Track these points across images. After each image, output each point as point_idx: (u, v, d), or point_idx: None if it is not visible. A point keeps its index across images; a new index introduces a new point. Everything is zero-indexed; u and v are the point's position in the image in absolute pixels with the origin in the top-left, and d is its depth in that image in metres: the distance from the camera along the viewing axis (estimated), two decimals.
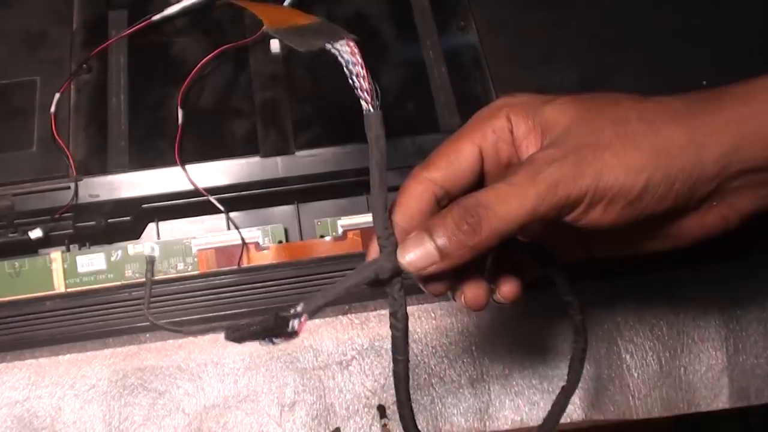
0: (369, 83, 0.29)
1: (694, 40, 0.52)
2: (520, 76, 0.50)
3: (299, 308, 0.29)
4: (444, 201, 0.31)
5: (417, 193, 0.30)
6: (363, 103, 0.29)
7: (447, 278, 0.31)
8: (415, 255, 0.28)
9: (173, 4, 0.52)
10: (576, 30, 0.52)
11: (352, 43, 0.30)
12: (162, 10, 0.52)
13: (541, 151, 0.29)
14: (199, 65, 0.49)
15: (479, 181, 0.31)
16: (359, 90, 0.29)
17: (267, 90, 0.50)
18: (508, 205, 0.27)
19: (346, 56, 0.30)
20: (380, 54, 0.52)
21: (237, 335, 0.29)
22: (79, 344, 0.47)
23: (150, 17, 0.52)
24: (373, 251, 0.31)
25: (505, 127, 0.31)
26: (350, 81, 0.30)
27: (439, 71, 0.51)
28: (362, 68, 0.30)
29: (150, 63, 0.51)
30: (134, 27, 0.51)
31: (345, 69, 0.30)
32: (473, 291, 0.31)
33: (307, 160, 0.48)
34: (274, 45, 0.51)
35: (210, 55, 0.50)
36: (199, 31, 0.52)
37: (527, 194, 0.27)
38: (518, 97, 0.32)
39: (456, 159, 0.31)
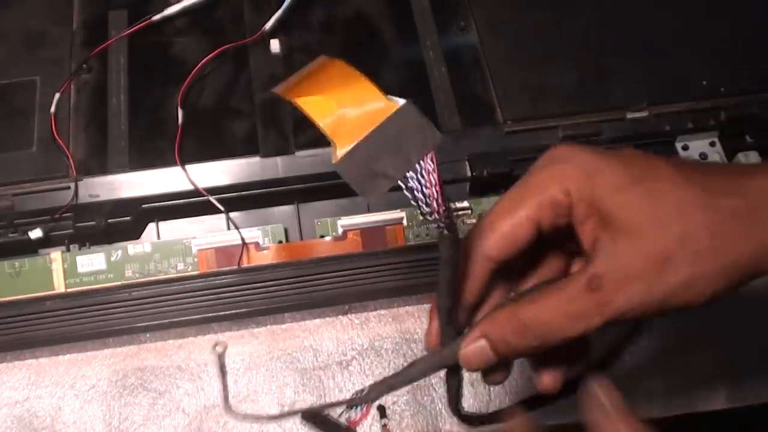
0: (443, 203, 0.26)
1: (694, 40, 0.52)
2: (520, 76, 0.50)
3: (365, 392, 0.29)
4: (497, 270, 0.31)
5: (475, 273, 0.30)
6: (436, 225, 0.26)
7: (504, 370, 0.32)
8: (474, 357, 0.29)
9: (173, 4, 0.52)
10: (576, 30, 0.52)
11: (430, 161, 0.26)
12: (162, 10, 0.52)
13: (605, 260, 0.27)
14: (199, 65, 0.49)
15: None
16: (434, 213, 0.26)
17: (267, 90, 0.50)
18: (569, 328, 0.27)
19: (421, 180, 0.26)
20: (380, 54, 0.52)
21: (311, 421, 0.29)
22: (79, 344, 0.47)
23: (150, 17, 0.52)
24: (433, 333, 0.31)
25: (563, 204, 0.28)
26: (418, 203, 0.26)
27: (439, 71, 0.51)
28: (437, 187, 0.26)
29: (150, 63, 0.51)
30: (134, 27, 0.51)
31: (413, 191, 0.26)
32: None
33: (307, 160, 0.48)
34: (274, 45, 0.51)
35: (210, 55, 0.50)
36: (199, 31, 0.52)
37: (592, 322, 0.27)
38: (570, 164, 0.29)
39: (513, 237, 0.29)
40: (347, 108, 0.26)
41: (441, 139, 0.26)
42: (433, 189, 0.26)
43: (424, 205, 0.26)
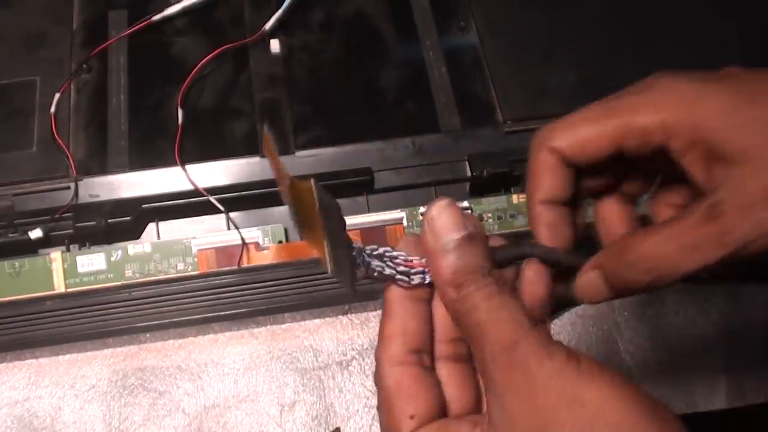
0: (423, 264, 0.27)
1: (694, 39, 0.52)
2: (520, 76, 0.50)
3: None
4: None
5: (541, 164, 0.28)
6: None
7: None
8: (589, 290, 0.28)
9: (173, 4, 0.52)
10: (576, 30, 0.52)
11: (384, 251, 0.27)
12: (162, 10, 0.52)
13: (723, 189, 0.25)
14: (199, 65, 0.49)
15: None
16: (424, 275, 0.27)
17: (267, 90, 0.50)
18: (686, 262, 0.25)
19: (390, 264, 0.27)
20: (380, 54, 0.52)
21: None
22: (79, 344, 0.47)
23: (150, 17, 0.52)
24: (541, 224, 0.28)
25: (654, 134, 0.26)
26: (405, 281, 0.27)
27: (439, 71, 0.51)
28: (409, 264, 0.27)
29: (150, 63, 0.51)
30: (134, 27, 0.51)
31: (393, 276, 0.27)
32: None
33: (307, 160, 0.48)
34: (274, 45, 0.51)
35: (210, 55, 0.50)
36: (199, 31, 0.52)
37: (711, 254, 0.25)
38: (669, 94, 0.26)
39: (587, 142, 0.27)
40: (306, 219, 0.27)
41: (330, 199, 0.26)
42: (407, 268, 0.27)
43: (413, 278, 0.27)
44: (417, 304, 0.27)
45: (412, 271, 0.27)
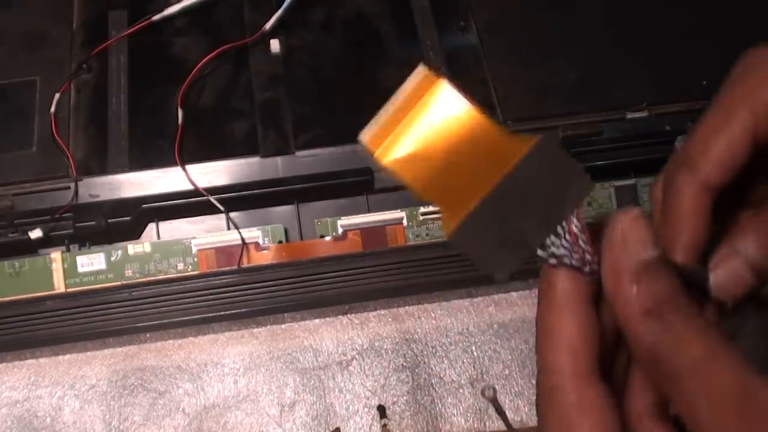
0: (597, 264, 0.21)
1: (695, 40, 0.52)
2: (520, 76, 0.50)
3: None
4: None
5: (690, 208, 0.23)
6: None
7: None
8: (729, 281, 0.23)
9: (173, 4, 0.52)
10: (576, 30, 0.52)
11: (576, 220, 0.20)
12: (162, 10, 0.52)
13: None
14: (199, 65, 0.49)
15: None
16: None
17: (267, 90, 0.50)
18: None
19: (565, 243, 0.20)
20: (380, 54, 0.52)
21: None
22: (79, 344, 0.47)
23: (150, 17, 0.52)
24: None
25: None
26: (567, 267, 0.20)
27: (439, 71, 0.51)
28: (589, 252, 0.20)
29: (150, 63, 0.51)
30: (134, 27, 0.51)
31: (562, 259, 0.20)
32: None
33: (307, 160, 0.48)
34: (274, 45, 0.51)
35: (210, 55, 0.50)
36: (199, 31, 0.52)
37: None
38: None
39: (731, 157, 0.22)
40: (457, 157, 0.19)
41: (593, 185, 0.20)
42: (585, 254, 0.20)
43: (574, 267, 0.21)
44: (589, 305, 0.22)
45: (588, 258, 0.21)
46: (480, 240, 0.19)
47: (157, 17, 0.52)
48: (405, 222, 0.46)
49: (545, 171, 0.19)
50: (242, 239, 0.45)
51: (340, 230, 0.46)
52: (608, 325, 0.22)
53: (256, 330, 0.49)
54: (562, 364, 0.21)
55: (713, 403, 0.19)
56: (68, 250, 0.45)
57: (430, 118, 0.20)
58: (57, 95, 0.48)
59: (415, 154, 0.20)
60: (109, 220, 0.45)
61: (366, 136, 0.21)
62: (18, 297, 0.44)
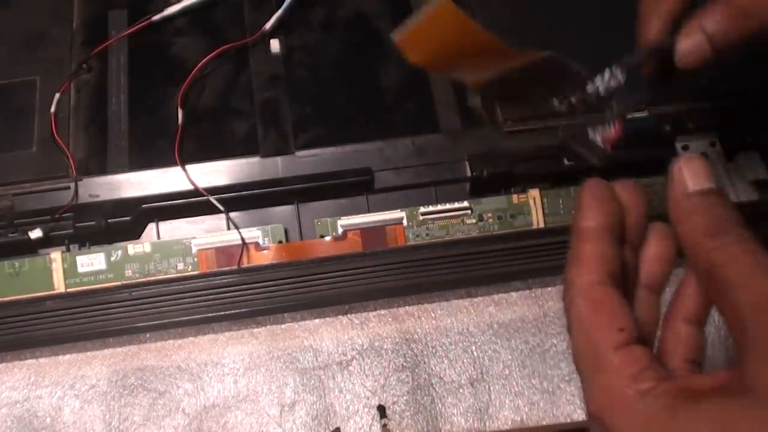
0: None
1: None
2: None
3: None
4: None
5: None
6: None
7: None
8: (692, 54, 0.29)
9: (173, 4, 0.52)
10: (576, 30, 0.52)
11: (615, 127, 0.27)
12: (162, 10, 0.52)
13: None
14: (199, 65, 0.50)
15: None
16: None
17: (267, 90, 0.50)
18: None
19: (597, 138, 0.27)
20: (380, 54, 0.52)
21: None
22: (79, 344, 0.47)
23: (150, 17, 0.52)
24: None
25: None
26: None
27: None
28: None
29: (150, 63, 0.51)
30: (134, 27, 0.51)
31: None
32: None
33: (307, 160, 0.48)
34: (274, 45, 0.51)
35: (210, 55, 0.50)
36: (199, 31, 0.52)
37: None
38: None
39: None
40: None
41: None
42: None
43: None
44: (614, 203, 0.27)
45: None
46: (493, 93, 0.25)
47: (157, 17, 0.52)
48: (405, 222, 0.46)
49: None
50: (242, 239, 0.45)
51: (340, 230, 0.46)
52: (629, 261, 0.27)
53: (256, 330, 0.49)
54: (579, 269, 0.26)
55: (756, 309, 0.22)
56: (68, 250, 0.45)
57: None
58: (57, 95, 0.48)
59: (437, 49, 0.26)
60: (109, 220, 0.45)
61: (397, 36, 0.27)
62: (18, 297, 0.44)
